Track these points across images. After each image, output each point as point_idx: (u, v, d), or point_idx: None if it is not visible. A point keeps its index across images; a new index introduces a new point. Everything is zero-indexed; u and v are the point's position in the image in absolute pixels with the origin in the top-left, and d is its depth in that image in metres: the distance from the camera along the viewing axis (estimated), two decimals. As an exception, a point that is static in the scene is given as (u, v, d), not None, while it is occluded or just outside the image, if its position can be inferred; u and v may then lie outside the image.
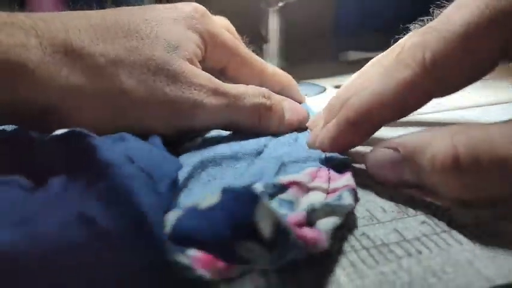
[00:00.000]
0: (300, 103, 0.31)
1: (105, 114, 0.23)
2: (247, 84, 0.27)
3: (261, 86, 0.28)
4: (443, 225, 0.18)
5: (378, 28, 0.61)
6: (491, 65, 0.21)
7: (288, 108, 0.27)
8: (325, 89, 0.43)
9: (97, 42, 0.22)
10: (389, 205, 0.20)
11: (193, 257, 0.14)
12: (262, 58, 0.44)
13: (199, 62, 0.26)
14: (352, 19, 0.63)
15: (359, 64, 0.53)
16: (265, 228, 0.13)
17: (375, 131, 0.22)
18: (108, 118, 0.23)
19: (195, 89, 0.24)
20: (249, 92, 0.26)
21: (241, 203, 0.14)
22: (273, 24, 0.43)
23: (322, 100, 0.40)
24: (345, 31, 0.64)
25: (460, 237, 0.17)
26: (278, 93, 0.29)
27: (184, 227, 0.14)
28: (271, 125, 0.26)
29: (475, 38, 0.19)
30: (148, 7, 0.26)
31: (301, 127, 0.28)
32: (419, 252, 0.16)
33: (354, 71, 0.50)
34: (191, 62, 0.25)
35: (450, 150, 0.17)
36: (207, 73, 0.25)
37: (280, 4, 0.42)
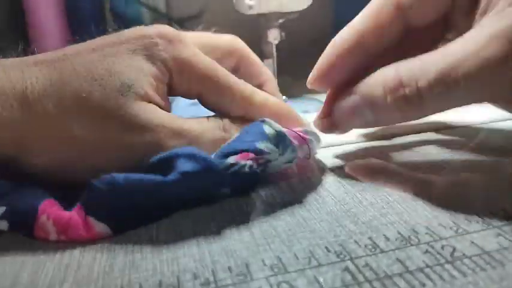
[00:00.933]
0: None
1: (62, 160, 0.22)
2: (230, 114, 0.26)
3: (247, 116, 0.26)
4: (446, 254, 0.18)
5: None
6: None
7: None
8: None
9: (51, 91, 0.22)
10: (392, 233, 0.20)
11: (236, 157, 0.22)
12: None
13: (168, 89, 0.25)
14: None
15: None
16: (270, 132, 0.23)
17: (371, 57, 0.26)
18: (66, 163, 0.23)
19: (154, 132, 0.23)
20: (209, 127, 0.25)
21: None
22: (273, 40, 0.43)
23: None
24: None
25: (464, 268, 0.17)
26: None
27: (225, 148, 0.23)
28: None
29: None
30: (112, 40, 0.24)
31: None
32: (423, 285, 0.16)
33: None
34: (149, 98, 0.23)
35: (396, 77, 0.22)
36: (165, 112, 0.24)
37: (280, 21, 0.42)
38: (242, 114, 0.26)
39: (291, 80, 0.52)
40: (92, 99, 0.22)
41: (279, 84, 0.45)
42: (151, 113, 0.23)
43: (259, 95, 0.27)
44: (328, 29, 0.65)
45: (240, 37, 0.44)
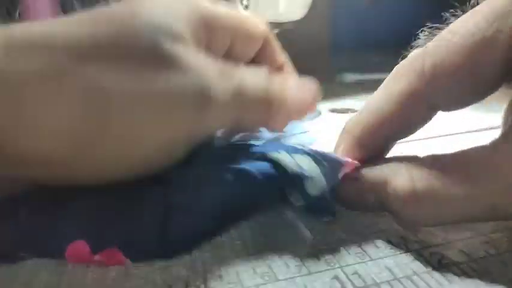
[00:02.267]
0: None
1: (77, 133, 0.17)
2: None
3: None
4: (434, 262, 0.18)
5: (374, 49, 0.62)
6: (494, 80, 0.19)
7: (294, 88, 0.24)
8: (320, 113, 0.44)
9: (61, 31, 0.17)
10: (381, 241, 0.20)
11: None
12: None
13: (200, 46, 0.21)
14: (348, 41, 0.63)
15: (356, 86, 0.54)
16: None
17: (382, 149, 0.22)
18: (84, 143, 0.17)
19: (199, 71, 0.19)
20: (260, 74, 0.22)
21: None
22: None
23: (317, 125, 0.40)
24: (341, 53, 0.65)
25: (451, 275, 0.17)
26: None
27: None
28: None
29: (478, 48, 0.18)
30: None
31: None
32: (410, 293, 0.16)
33: (350, 93, 0.51)
34: (187, 44, 0.19)
35: (409, 185, 0.18)
36: (208, 58, 0.20)
37: (276, 31, 0.43)
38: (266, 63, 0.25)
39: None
40: (122, 37, 0.18)
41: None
42: (194, 54, 0.19)
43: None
44: (324, 39, 0.66)
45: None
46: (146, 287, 0.17)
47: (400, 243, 0.20)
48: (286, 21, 0.42)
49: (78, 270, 0.19)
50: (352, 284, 0.17)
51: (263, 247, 0.20)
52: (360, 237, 0.20)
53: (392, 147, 0.22)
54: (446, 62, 0.19)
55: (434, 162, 0.19)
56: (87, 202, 0.19)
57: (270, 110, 0.22)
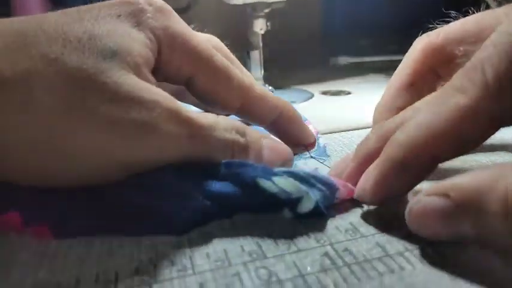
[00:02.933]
0: (302, 134, 0.26)
1: (17, 149, 0.17)
2: (225, 105, 0.23)
3: (243, 110, 0.24)
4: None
5: (366, 32, 0.61)
6: None
7: (268, 147, 0.22)
8: (312, 95, 0.43)
9: (5, 52, 0.17)
10: (373, 218, 0.19)
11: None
12: (249, 64, 0.44)
13: (152, 70, 0.21)
14: (339, 24, 0.63)
15: (349, 69, 0.54)
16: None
17: (428, 173, 0.19)
18: (21, 154, 0.18)
19: (146, 109, 0.18)
20: (220, 125, 0.20)
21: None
22: (260, 30, 0.43)
23: (309, 106, 0.39)
24: (333, 36, 0.64)
25: (444, 251, 0.17)
26: (270, 122, 0.25)
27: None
28: None
29: None
30: (90, 5, 0.21)
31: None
32: (402, 269, 0.16)
33: (343, 76, 0.50)
34: (137, 71, 0.19)
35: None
36: (160, 89, 0.19)
37: (266, 10, 0.42)
38: (238, 106, 0.23)
39: (279, 71, 0.52)
40: (64, 60, 0.17)
41: (266, 75, 0.45)
42: (141, 86, 0.19)
43: (259, 86, 0.24)
44: (316, 21, 0.65)
45: (228, 29, 0.43)
46: (131, 265, 0.17)
47: (392, 220, 0.19)
48: (277, 0, 0.41)
49: (61, 250, 0.18)
50: (343, 260, 0.17)
51: (252, 225, 0.19)
52: (351, 214, 0.20)
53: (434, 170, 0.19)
54: None
55: None
56: None
57: (243, 154, 0.21)
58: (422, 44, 0.25)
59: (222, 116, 0.21)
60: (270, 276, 0.16)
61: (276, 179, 0.19)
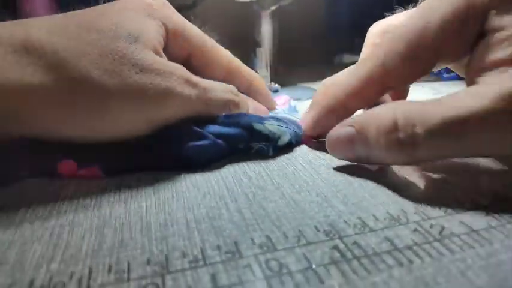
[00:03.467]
0: (268, 104, 0.34)
1: (71, 110, 0.22)
2: (212, 77, 0.28)
3: (226, 80, 0.29)
4: (435, 233, 0.18)
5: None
6: (429, 61, 0.24)
7: (252, 108, 0.30)
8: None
9: (58, 39, 0.22)
10: (381, 213, 0.20)
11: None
12: (255, 62, 0.44)
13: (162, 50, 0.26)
14: (344, 21, 0.63)
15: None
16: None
17: (349, 115, 0.26)
18: (74, 114, 0.22)
19: (165, 77, 0.24)
20: (218, 87, 0.27)
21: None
22: (266, 28, 0.43)
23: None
24: (337, 34, 0.64)
25: (452, 246, 0.17)
26: (244, 91, 0.32)
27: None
28: None
29: (416, 36, 0.23)
30: (110, 3, 0.27)
31: None
32: (411, 262, 0.16)
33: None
34: (156, 51, 0.25)
35: (391, 119, 0.21)
36: (173, 62, 0.25)
37: (273, 7, 0.42)
38: (222, 78, 0.30)
39: (284, 68, 0.52)
40: (101, 44, 0.23)
41: (272, 72, 0.46)
42: (160, 61, 0.24)
43: (237, 61, 0.32)
44: (320, 19, 0.65)
45: (234, 27, 0.44)
46: (143, 256, 0.17)
47: (400, 215, 0.19)
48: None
49: (73, 241, 0.18)
50: (352, 253, 0.17)
51: (261, 218, 0.19)
52: (359, 208, 0.20)
53: None
54: (395, 49, 0.24)
55: (418, 102, 0.21)
56: None
57: (236, 109, 0.28)
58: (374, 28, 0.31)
59: (217, 81, 0.28)
60: (280, 268, 0.16)
61: (266, 123, 0.27)
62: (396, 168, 0.24)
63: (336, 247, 0.17)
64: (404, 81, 0.26)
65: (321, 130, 0.28)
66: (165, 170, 0.25)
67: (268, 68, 0.44)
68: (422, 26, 0.23)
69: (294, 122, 0.29)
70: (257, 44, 0.44)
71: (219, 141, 0.26)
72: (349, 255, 0.17)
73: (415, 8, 0.26)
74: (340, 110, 0.26)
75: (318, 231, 0.18)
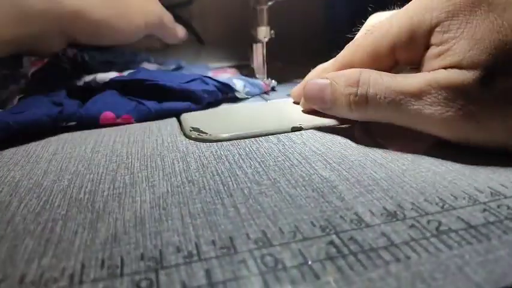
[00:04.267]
0: None
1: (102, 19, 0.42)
2: None
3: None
4: (432, 228, 0.18)
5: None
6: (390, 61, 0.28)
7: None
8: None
9: None
10: (377, 208, 0.19)
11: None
12: (252, 58, 0.44)
13: None
14: (342, 18, 0.62)
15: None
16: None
17: None
18: (104, 27, 0.43)
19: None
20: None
21: None
22: (263, 24, 0.43)
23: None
24: (335, 30, 0.64)
25: (450, 241, 0.17)
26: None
27: None
28: None
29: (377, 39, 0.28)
30: None
31: None
32: (408, 258, 0.16)
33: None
34: None
35: (356, 78, 0.26)
36: None
37: (270, 3, 0.42)
38: None
39: (281, 65, 0.52)
40: None
41: (269, 69, 0.45)
42: None
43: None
44: (318, 16, 0.65)
45: (230, 23, 0.44)
46: (136, 251, 0.17)
47: (397, 211, 0.19)
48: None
49: (65, 236, 0.18)
50: (349, 249, 0.17)
51: (256, 213, 0.19)
52: (355, 204, 0.20)
53: None
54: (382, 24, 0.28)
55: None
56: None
57: None
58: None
59: None
60: (276, 263, 0.16)
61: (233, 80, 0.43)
62: (393, 165, 0.24)
63: (332, 242, 0.17)
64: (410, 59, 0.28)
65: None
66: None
67: (265, 64, 0.44)
68: (384, 33, 0.27)
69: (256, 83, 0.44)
70: (254, 40, 0.44)
71: (216, 86, 0.40)
72: (345, 250, 0.16)
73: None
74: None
75: (314, 226, 0.18)
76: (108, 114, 0.35)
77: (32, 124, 0.31)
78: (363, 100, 0.26)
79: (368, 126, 0.29)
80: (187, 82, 0.39)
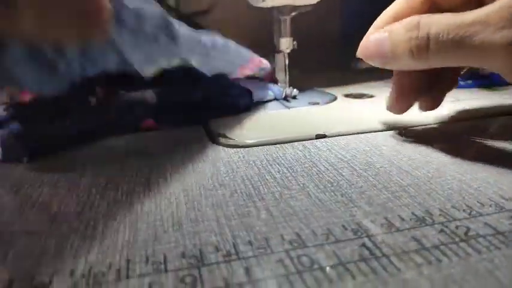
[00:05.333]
0: None
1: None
2: None
3: None
4: (461, 234, 0.18)
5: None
6: None
7: None
8: (336, 98, 0.44)
9: None
10: (406, 214, 0.20)
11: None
12: (274, 67, 0.45)
13: None
14: (359, 27, 0.63)
15: (370, 73, 0.54)
16: None
17: None
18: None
19: None
20: None
21: None
22: (285, 50, 0.44)
23: (334, 107, 0.40)
24: (353, 40, 0.65)
25: (479, 246, 0.17)
26: None
27: None
28: None
29: None
30: None
31: None
32: (439, 261, 0.16)
33: (364, 80, 0.51)
34: None
35: (416, 21, 0.25)
36: None
37: (293, 14, 0.43)
38: None
39: (301, 73, 0.53)
40: None
41: (290, 77, 0.46)
42: None
43: None
44: (336, 24, 0.66)
45: (249, 32, 0.45)
46: (177, 250, 0.18)
47: (425, 216, 0.20)
48: (304, 4, 0.42)
49: (108, 234, 0.19)
50: (381, 251, 0.17)
51: (289, 216, 0.20)
52: (384, 209, 0.21)
53: None
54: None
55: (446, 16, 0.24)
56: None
57: None
58: None
59: None
60: (312, 263, 0.17)
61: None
62: (418, 172, 0.25)
63: (364, 245, 0.18)
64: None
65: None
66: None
67: (287, 73, 0.45)
68: None
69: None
70: (275, 50, 0.45)
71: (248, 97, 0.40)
72: (378, 253, 0.17)
73: None
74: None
75: (346, 229, 0.19)
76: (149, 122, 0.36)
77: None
78: (425, 42, 0.24)
79: None
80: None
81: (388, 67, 0.28)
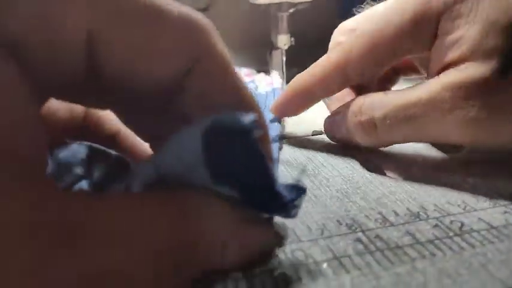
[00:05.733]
0: None
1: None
2: None
3: None
4: (455, 228, 0.18)
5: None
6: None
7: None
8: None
9: None
10: (401, 209, 0.20)
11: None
12: (271, 65, 0.45)
13: None
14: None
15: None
16: None
17: (314, 101, 0.29)
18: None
19: None
20: None
21: None
22: (283, 46, 0.44)
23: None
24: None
25: (473, 240, 0.17)
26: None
27: None
28: None
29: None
30: None
31: None
32: (433, 255, 0.17)
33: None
34: None
35: (359, 104, 0.25)
36: None
37: (291, 10, 0.43)
38: None
39: (299, 71, 0.53)
40: None
41: (288, 76, 0.46)
42: None
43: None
44: (334, 23, 0.66)
45: (247, 30, 0.44)
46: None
47: (420, 211, 0.20)
48: (301, 1, 0.42)
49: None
50: (375, 246, 0.17)
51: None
52: (379, 204, 0.21)
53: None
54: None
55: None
56: None
57: None
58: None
59: None
60: (306, 257, 0.17)
61: None
62: (414, 168, 0.25)
63: (358, 239, 0.18)
64: (363, 73, 0.26)
65: (286, 111, 0.30)
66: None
67: (284, 71, 0.45)
68: (383, 25, 0.25)
69: None
70: (273, 47, 0.45)
71: None
72: (372, 247, 0.17)
73: (380, 4, 0.29)
74: (304, 94, 0.28)
75: (341, 224, 0.19)
76: None
77: None
78: (372, 126, 0.24)
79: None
80: None
81: (355, 143, 0.27)
